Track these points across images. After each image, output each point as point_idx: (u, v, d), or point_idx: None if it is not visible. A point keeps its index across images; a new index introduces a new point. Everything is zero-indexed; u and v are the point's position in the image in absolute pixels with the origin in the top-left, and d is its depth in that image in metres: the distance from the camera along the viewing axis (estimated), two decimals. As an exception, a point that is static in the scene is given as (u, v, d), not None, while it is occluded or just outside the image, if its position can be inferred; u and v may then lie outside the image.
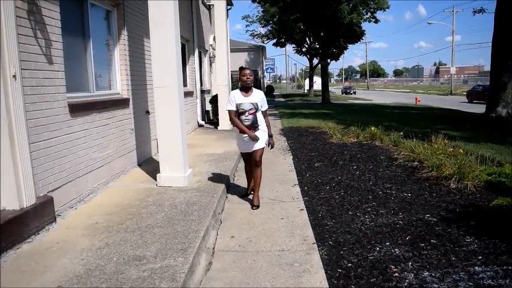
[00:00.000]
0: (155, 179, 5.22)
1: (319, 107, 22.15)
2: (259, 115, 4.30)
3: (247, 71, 4.20)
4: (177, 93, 5.01)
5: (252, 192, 4.70)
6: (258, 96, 4.28)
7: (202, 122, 12.03)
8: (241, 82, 4.18)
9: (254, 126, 4.27)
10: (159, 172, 5.16)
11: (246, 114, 4.20)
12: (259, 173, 4.46)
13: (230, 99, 4.27)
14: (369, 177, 5.72)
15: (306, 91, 54.58)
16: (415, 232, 3.77)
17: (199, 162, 6.48)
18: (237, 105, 4.20)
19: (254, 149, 4.33)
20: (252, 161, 4.43)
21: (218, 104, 10.97)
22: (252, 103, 4.20)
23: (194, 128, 11.20)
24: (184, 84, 10.34)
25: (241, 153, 4.51)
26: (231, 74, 14.43)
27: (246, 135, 4.27)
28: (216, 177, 5.42)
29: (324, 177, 5.79)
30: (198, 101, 11.84)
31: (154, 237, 3.50)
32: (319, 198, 4.87)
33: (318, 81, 48.48)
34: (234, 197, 4.88)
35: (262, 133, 4.36)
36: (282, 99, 32.32)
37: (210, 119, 13.13)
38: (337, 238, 3.70)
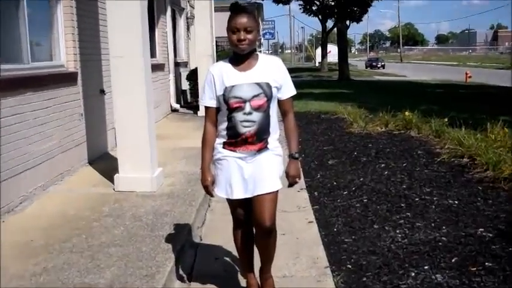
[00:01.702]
0: (112, 182, 5.25)
1: (335, 86, 22.25)
2: (273, 112, 2.92)
3: (243, 19, 2.76)
4: (142, 66, 5.02)
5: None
6: (270, 69, 2.89)
7: (177, 106, 12.04)
8: (232, 45, 2.86)
9: (262, 138, 2.89)
10: (117, 172, 5.18)
11: (247, 108, 2.83)
12: (272, 246, 3.03)
13: (208, 82, 2.92)
14: (401, 179, 5.80)
15: (317, 64, 54.52)
16: (464, 252, 3.78)
17: (172, 158, 6.56)
18: (225, 92, 2.84)
19: (258, 193, 2.89)
20: (252, 221, 2.97)
21: (198, 81, 10.99)
22: (258, 84, 2.84)
23: (166, 113, 11.21)
24: (153, 55, 10.34)
25: (227, 200, 3.03)
26: (216, 42, 14.38)
27: (234, 152, 2.90)
28: (195, 179, 5.41)
29: (340, 179, 5.89)
30: (172, 77, 11.85)
31: (110, 259, 3.48)
32: (334, 207, 4.93)
33: (333, 51, 48.38)
34: (218, 205, 4.84)
35: (273, 158, 2.93)
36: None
37: (188, 101, 13.09)
38: (357, 260, 3.71)
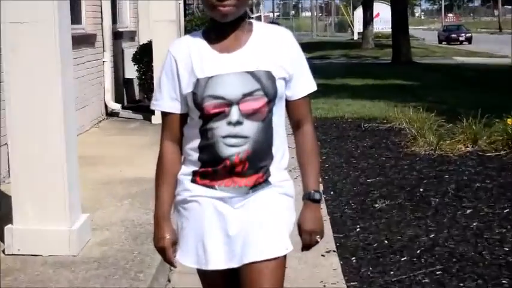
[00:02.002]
0: (2, 239, 5.21)
1: (387, 73, 22.29)
2: (279, 121, 2.97)
3: None
4: (55, 39, 5.02)
5: None
6: (272, 48, 2.96)
7: (117, 106, 12.14)
8: (208, 7, 2.87)
9: (259, 167, 2.94)
10: (10, 222, 5.15)
11: (233, 114, 2.87)
12: None
13: (167, 71, 2.98)
14: (501, 236, 5.73)
15: (356, 36, 54.40)
16: None
17: (107, 198, 6.57)
18: (197, 89, 2.87)
19: (250, 261, 2.88)
20: None
21: (153, 64, 11.09)
22: (252, 73, 2.88)
23: (98, 118, 11.28)
24: (76, 19, 10.31)
25: (199, 272, 3.08)
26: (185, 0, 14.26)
27: (212, 190, 2.92)
28: (146, 234, 5.42)
29: (395, 235, 5.87)
30: (108, 57, 11.93)
31: None
32: (384, 285, 4.87)
33: (383, 14, 48.07)
34: (185, 279, 4.76)
35: (278, 200, 2.98)
36: (305, 56, 31.61)
37: (135, 99, 13.34)
38: None
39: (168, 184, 2.93)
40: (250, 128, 2.81)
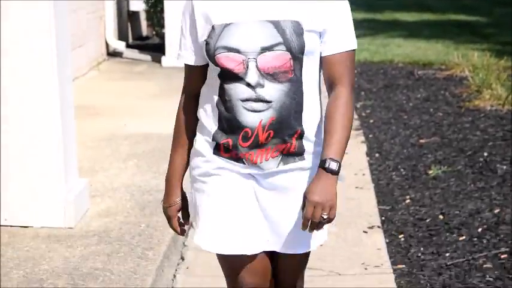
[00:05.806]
0: None
1: (448, 6, 22.00)
2: (311, 82, 3.00)
3: None
4: None
5: None
6: None
7: (120, 45, 12.17)
8: None
9: (287, 135, 2.99)
10: None
11: (251, 73, 2.90)
12: None
13: (185, 16, 3.04)
14: None
15: None
16: None
17: (109, 158, 6.58)
18: (210, 37, 2.91)
19: (282, 251, 3.14)
20: None
21: None
22: (273, 22, 2.88)
23: (97, 58, 11.23)
24: None
25: (218, 257, 3.22)
26: None
27: (238, 164, 2.99)
28: (155, 203, 5.35)
29: (452, 209, 5.76)
30: None
31: None
32: (438, 268, 4.76)
33: None
34: (202, 255, 4.75)
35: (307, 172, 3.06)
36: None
37: (142, 35, 13.32)
38: None
39: (182, 148, 3.04)
40: (273, 90, 2.77)
